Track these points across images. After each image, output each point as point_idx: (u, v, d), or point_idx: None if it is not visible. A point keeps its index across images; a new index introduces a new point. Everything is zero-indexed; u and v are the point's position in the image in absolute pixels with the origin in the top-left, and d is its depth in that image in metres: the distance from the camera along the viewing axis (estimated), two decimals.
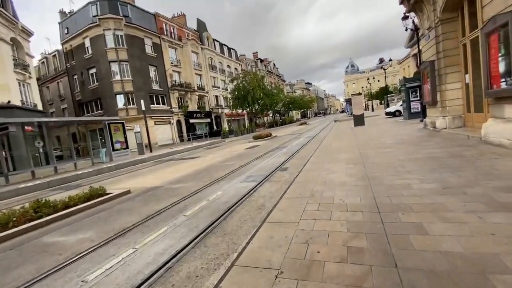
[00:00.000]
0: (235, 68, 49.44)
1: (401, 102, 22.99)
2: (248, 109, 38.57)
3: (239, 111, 40.50)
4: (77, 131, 21.23)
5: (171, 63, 31.68)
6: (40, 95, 34.53)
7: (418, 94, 16.87)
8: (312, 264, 2.31)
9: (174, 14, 38.45)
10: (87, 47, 26.84)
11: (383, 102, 57.26)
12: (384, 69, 30.62)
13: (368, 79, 54.89)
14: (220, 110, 41.65)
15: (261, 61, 67.27)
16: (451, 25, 8.81)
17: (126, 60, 26.29)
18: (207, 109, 38.31)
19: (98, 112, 27.40)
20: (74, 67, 28.47)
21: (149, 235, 3.60)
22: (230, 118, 44.82)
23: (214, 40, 42.66)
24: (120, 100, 26.65)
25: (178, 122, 32.75)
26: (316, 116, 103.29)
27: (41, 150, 14.35)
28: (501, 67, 5.55)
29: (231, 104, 37.27)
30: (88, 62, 26.99)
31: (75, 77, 28.78)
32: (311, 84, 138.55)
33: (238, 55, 55.06)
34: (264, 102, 40.28)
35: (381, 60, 31.32)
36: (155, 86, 29.35)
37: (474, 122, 8.34)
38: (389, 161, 5.83)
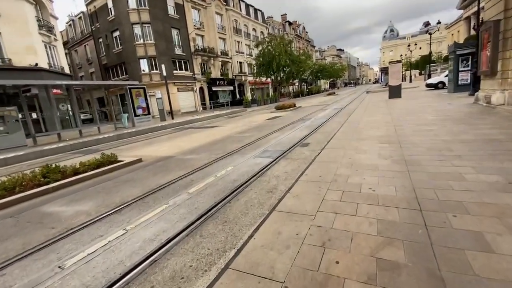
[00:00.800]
0: (261, 32, 46.55)
1: (446, 73, 20.25)
2: (272, 77, 36.84)
3: (263, 79, 38.91)
4: (104, 96, 21.73)
5: (194, 25, 30.30)
6: (70, 59, 35.55)
7: (469, 63, 14.51)
8: (327, 281, 1.75)
9: None
10: (110, 8, 26.25)
11: (423, 72, 51.72)
12: (430, 33, 26.75)
13: (408, 45, 49.16)
14: (243, 78, 40.32)
15: (290, 24, 62.64)
16: None
17: (148, 22, 25.47)
18: (230, 76, 37.19)
19: (123, 76, 27.63)
20: (99, 29, 28.34)
21: (145, 214, 3.26)
22: (253, 87, 43.41)
23: (239, 0, 39.84)
24: (144, 65, 26.47)
25: (201, 89, 32.28)
26: (346, 86, 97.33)
27: (70, 113, 14.83)
28: None
29: (254, 71, 35.68)
30: (112, 25, 26.60)
31: (100, 40, 28.80)
32: (343, 51, 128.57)
33: (265, 18, 51.50)
34: (290, 70, 38.09)
35: (427, 24, 27.21)
36: (178, 51, 28.59)
37: None
38: (431, 141, 4.88)
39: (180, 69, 29.01)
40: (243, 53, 40.73)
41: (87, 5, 28.69)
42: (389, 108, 11.01)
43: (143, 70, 26.10)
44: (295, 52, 41.57)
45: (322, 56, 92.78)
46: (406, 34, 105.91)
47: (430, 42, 30.49)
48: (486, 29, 8.30)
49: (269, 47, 33.24)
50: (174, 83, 27.54)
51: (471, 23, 41.77)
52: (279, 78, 37.65)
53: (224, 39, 35.68)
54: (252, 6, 44.05)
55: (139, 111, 15.71)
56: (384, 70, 42.31)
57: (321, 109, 15.98)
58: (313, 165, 4.22)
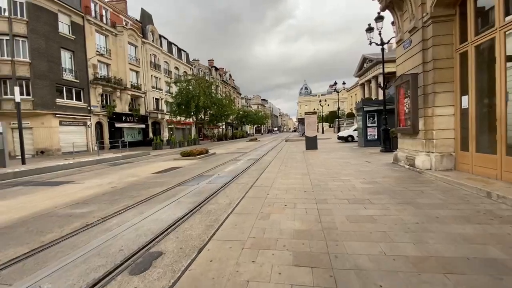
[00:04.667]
0: (185, 72, 44.52)
1: (354, 127, 21.46)
2: (193, 118, 33.92)
3: (183, 119, 35.54)
4: None
5: (97, 51, 25.54)
6: None
7: (375, 119, 14.97)
8: None
9: None
10: None
11: (332, 125, 58.45)
12: (337, 91, 29.70)
13: (320, 101, 55.58)
14: (160, 116, 35.95)
15: (216, 69, 63.50)
16: (445, 27, 6.26)
17: (24, 35, 19.59)
18: (142, 112, 32.37)
19: None
20: None
21: None
22: (172, 126, 39.27)
23: (160, 36, 37.43)
24: (17, 89, 19.52)
25: (99, 124, 26.25)
26: (270, 133, 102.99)
27: None
28: None
29: (170, 110, 32.18)
30: None
31: None
32: (267, 101, 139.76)
33: (191, 59, 50.41)
34: (213, 112, 36.29)
35: (334, 83, 30.55)
36: (68, 76, 22.80)
37: (474, 165, 5.67)
38: (389, 263, 2.33)
39: (69, 98, 22.95)
40: (161, 89, 37.10)
41: None
42: (308, 163, 9.12)
43: (4, 95, 19.11)
44: (218, 95, 40.56)
45: (248, 104, 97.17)
46: (317, 92, 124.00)
47: (338, 99, 34.02)
48: (402, 83, 7.48)
49: (189, 86, 30.92)
50: (55, 114, 21.22)
51: (365, 89, 50.66)
52: (200, 119, 35.07)
53: (137, 72, 31.59)
54: (175, 45, 42.31)
55: None
56: (301, 121, 45.31)
57: (235, 158, 13.39)
58: None
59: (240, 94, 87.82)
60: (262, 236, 3.19)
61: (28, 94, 19.79)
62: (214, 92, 36.28)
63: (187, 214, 4.31)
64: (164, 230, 3.64)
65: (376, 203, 4.32)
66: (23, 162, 12.77)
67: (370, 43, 12.67)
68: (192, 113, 31.43)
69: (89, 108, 24.62)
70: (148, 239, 3.38)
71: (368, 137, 15.18)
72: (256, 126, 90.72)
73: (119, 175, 9.19)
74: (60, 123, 21.71)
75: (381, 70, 39.49)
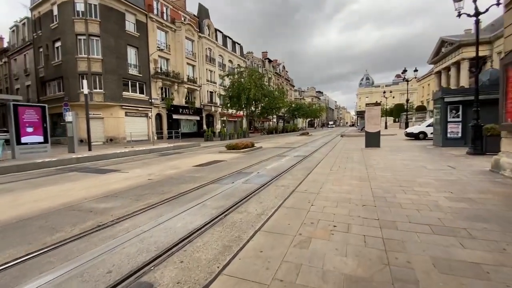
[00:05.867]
0: (238, 65, 44.75)
1: (428, 122, 18.01)
2: (244, 110, 33.91)
3: (235, 111, 35.89)
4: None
5: (158, 47, 27.21)
6: (8, 68, 30.64)
7: (460, 112, 12.00)
8: None
9: None
10: (55, 15, 22.59)
11: (397, 120, 51.93)
12: (407, 80, 25.57)
13: (384, 92, 49.72)
14: (213, 108, 37.02)
15: (270, 61, 62.58)
16: None
17: (97, 34, 21.89)
18: (197, 105, 33.70)
19: (59, 93, 23.08)
20: (41, 38, 24.24)
21: None
22: (225, 118, 40.15)
23: (216, 30, 38.17)
24: (85, 82, 22.23)
25: (159, 116, 28.19)
26: (323, 127, 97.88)
27: None
28: None
29: (226, 102, 32.70)
30: (54, 33, 22.70)
31: (41, 50, 24.57)
32: (322, 93, 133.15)
33: (245, 52, 50.54)
34: (264, 105, 35.70)
35: (404, 70, 26.09)
36: (133, 71, 24.87)
37: None
38: None
39: (133, 91, 25.04)
40: (215, 83, 38.03)
41: (31, 10, 24.90)
42: (367, 166, 7.48)
43: (82, 88, 21.74)
44: (270, 88, 39.71)
45: (301, 96, 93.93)
46: (380, 83, 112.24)
47: (407, 89, 29.52)
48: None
49: (241, 79, 30.80)
50: (122, 106, 23.38)
51: (441, 77, 43.09)
52: (250, 111, 34.91)
53: (193, 66, 32.83)
54: (230, 38, 42.75)
55: (26, 139, 11.06)
56: (361, 114, 41.23)
57: (281, 154, 12.32)
58: None
59: (294, 86, 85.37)
60: (294, 280, 2.12)
61: (100, 88, 22.19)
62: (266, 84, 35.53)
63: (206, 224, 3.49)
64: (171, 247, 2.87)
65: (480, 238, 2.78)
66: (89, 149, 14.13)
67: (459, 15, 9.89)
68: (243, 106, 31.36)
69: (150, 100, 26.56)
70: (147, 258, 2.65)
71: (449, 135, 12.28)
72: (309, 119, 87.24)
73: (162, 167, 9.11)
74: (126, 114, 23.92)
75: (465, 55, 32.71)
